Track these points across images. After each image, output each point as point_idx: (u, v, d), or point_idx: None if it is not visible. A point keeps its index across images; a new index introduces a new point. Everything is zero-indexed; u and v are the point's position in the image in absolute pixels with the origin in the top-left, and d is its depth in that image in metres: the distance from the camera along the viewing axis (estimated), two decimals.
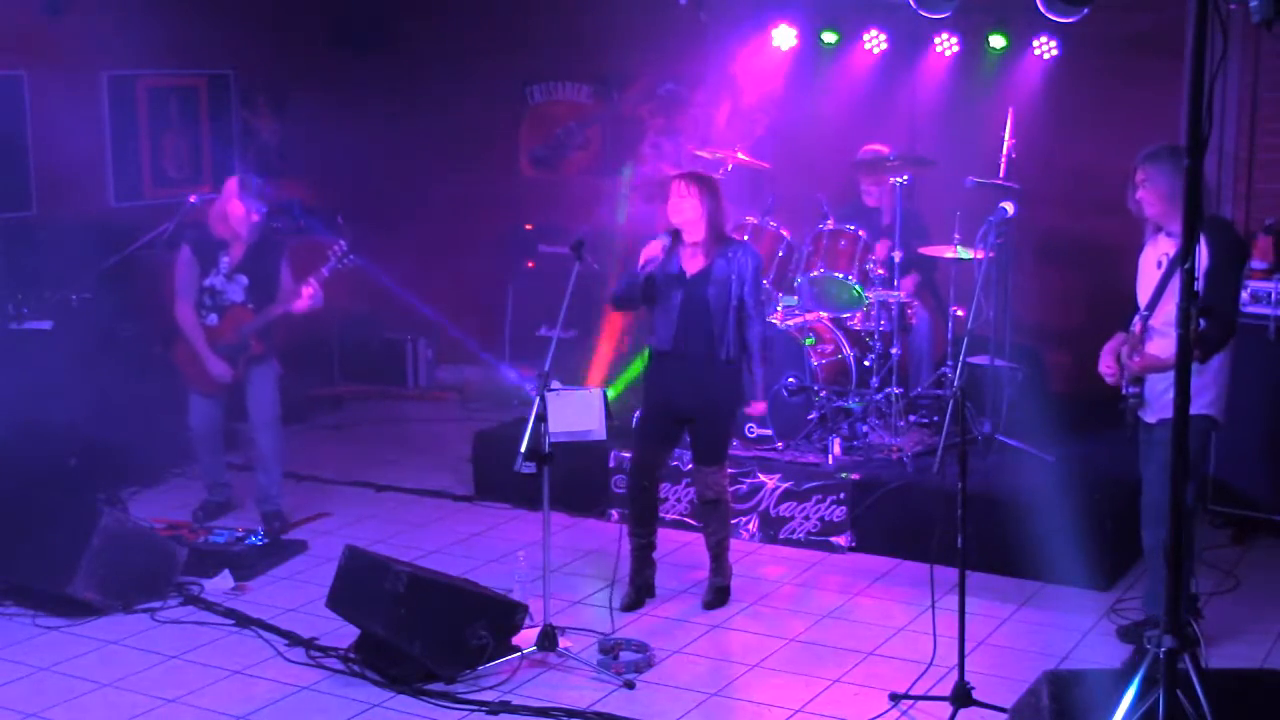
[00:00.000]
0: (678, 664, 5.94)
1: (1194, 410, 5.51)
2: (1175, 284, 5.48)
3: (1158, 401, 5.66)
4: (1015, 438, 7.54)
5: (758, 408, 6.68)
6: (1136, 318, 5.72)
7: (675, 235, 6.37)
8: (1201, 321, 5.39)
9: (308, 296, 7.24)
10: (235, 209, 7.25)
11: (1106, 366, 5.76)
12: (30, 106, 8.84)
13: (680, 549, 7.17)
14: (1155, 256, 5.77)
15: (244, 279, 7.34)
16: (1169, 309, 5.52)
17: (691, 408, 6.41)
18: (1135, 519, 6.04)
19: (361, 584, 5.89)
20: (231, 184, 7.35)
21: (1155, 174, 5.65)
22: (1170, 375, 5.46)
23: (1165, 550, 3.99)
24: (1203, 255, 5.49)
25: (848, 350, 7.84)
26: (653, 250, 6.33)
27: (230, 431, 8.86)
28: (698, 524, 6.97)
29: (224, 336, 7.35)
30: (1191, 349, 3.92)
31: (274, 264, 7.37)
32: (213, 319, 7.35)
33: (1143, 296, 5.77)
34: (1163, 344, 5.57)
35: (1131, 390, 5.69)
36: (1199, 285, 5.39)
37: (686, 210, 6.27)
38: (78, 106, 8.96)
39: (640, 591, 6.55)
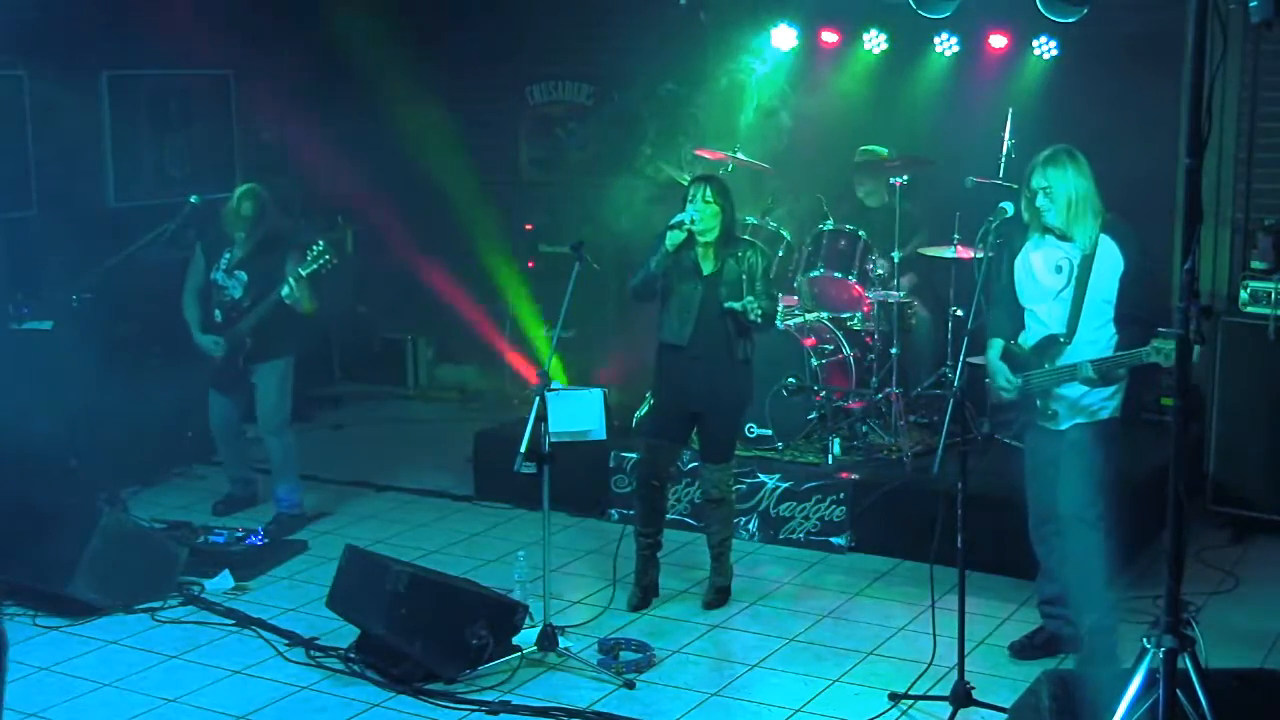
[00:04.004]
0: (678, 664, 5.94)
1: (1104, 415, 5.50)
2: (1096, 298, 5.43)
3: (1070, 408, 5.52)
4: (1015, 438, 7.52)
5: None
6: (1053, 337, 5.49)
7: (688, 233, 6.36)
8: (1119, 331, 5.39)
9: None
10: (232, 208, 7.46)
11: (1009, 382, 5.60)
12: (30, 106, 8.83)
13: (681, 549, 7.17)
14: (1053, 260, 5.51)
15: (243, 275, 7.46)
16: (1091, 325, 5.47)
17: (704, 404, 6.41)
18: (1134, 517, 6.03)
19: (361, 584, 5.90)
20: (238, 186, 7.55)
21: (1055, 180, 5.40)
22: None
23: (1167, 552, 3.96)
24: (1115, 261, 5.41)
25: (848, 350, 7.84)
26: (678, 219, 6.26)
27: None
28: (698, 524, 6.98)
29: (224, 331, 7.49)
30: (1190, 349, 3.89)
31: (278, 262, 7.39)
32: (216, 314, 7.52)
33: (1039, 304, 5.56)
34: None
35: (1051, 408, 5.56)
36: (1113, 294, 5.39)
37: (706, 215, 6.29)
38: (78, 106, 8.95)
39: (646, 591, 6.56)
